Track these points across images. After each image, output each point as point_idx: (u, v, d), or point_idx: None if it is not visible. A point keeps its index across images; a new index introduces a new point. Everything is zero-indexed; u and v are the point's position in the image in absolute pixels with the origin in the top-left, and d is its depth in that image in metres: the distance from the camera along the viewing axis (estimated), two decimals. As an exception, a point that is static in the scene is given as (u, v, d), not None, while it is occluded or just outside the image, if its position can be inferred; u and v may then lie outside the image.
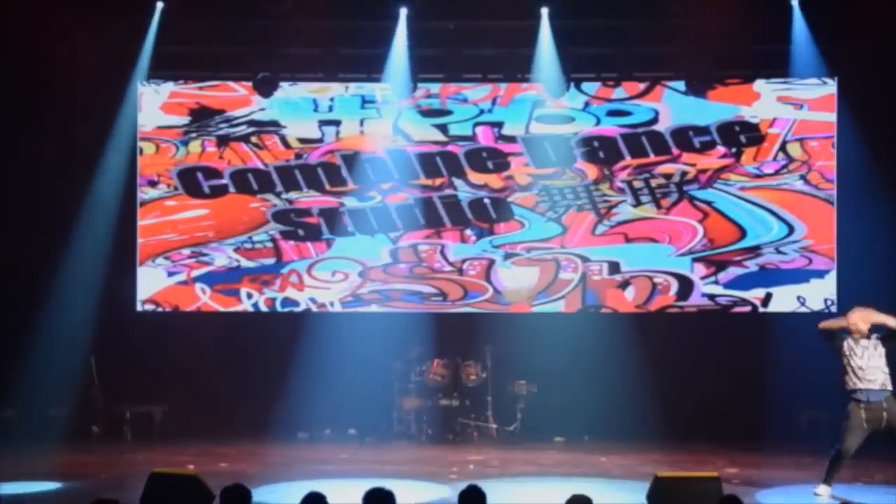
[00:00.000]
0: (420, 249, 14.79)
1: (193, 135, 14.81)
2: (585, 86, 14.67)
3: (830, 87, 14.43)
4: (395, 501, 6.04)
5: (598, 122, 14.70)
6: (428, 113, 14.83)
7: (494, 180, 14.76)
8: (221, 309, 14.80)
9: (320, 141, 14.79)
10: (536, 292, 14.75)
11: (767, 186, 14.54)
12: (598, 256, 14.68)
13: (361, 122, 14.83)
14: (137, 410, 14.39)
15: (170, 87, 14.80)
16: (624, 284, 14.69)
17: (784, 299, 14.50)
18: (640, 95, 14.69)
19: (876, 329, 10.20)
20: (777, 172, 14.54)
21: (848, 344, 10.14)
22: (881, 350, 10.10)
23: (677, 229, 14.63)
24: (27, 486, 10.40)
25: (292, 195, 14.77)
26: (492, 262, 14.75)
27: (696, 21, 13.58)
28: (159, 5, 13.86)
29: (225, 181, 14.79)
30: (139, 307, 14.76)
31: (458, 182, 14.76)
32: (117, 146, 14.55)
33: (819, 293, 14.42)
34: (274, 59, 14.13)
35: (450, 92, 14.82)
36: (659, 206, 14.66)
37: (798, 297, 14.48)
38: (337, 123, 14.81)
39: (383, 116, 14.80)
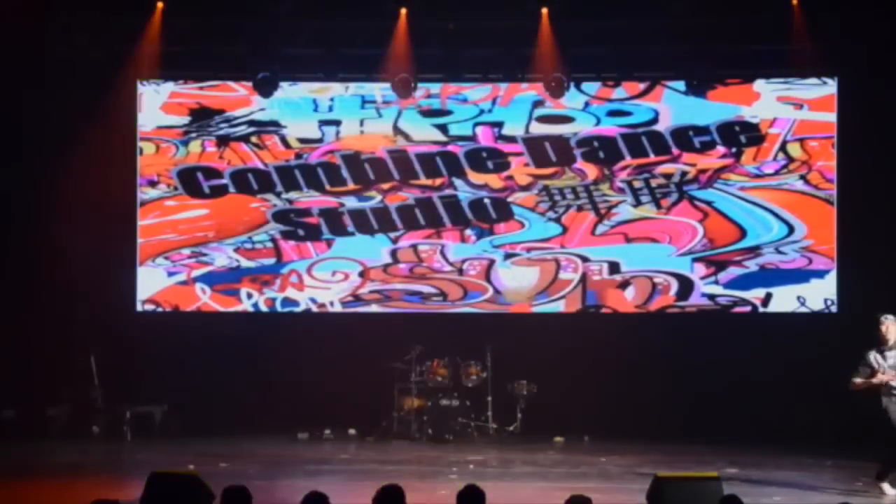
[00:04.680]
0: (420, 249, 14.79)
1: (193, 135, 14.81)
2: (585, 86, 14.67)
3: (830, 87, 14.43)
4: (404, 499, 6.09)
5: (598, 122, 14.70)
6: (428, 113, 14.83)
7: (494, 180, 14.76)
8: (221, 309, 14.80)
9: (320, 141, 14.79)
10: (536, 292, 14.74)
11: (767, 186, 14.54)
12: (598, 256, 14.68)
13: (361, 122, 14.83)
14: (137, 410, 14.38)
15: (170, 87, 14.80)
16: (624, 284, 14.68)
17: (784, 299, 14.50)
18: (640, 95, 14.69)
19: None
20: (777, 172, 14.54)
21: (875, 358, 10.24)
22: None
23: (677, 229, 14.62)
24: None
25: (292, 195, 14.77)
26: (492, 262, 14.74)
27: (697, 21, 13.59)
28: (159, 5, 13.86)
29: (225, 181, 14.79)
30: (139, 307, 14.76)
31: (458, 182, 14.76)
32: (117, 146, 14.55)
33: (819, 293, 14.42)
34: (274, 59, 14.13)
35: (450, 92, 14.82)
36: (659, 206, 14.65)
37: (798, 297, 14.47)
38: (337, 123, 14.81)
39: (383, 116, 14.80)
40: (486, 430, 14.28)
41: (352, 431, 14.41)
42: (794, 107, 14.52)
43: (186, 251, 14.79)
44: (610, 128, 14.69)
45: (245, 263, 14.78)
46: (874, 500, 10.16)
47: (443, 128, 14.80)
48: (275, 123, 14.79)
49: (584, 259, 14.70)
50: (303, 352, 14.24)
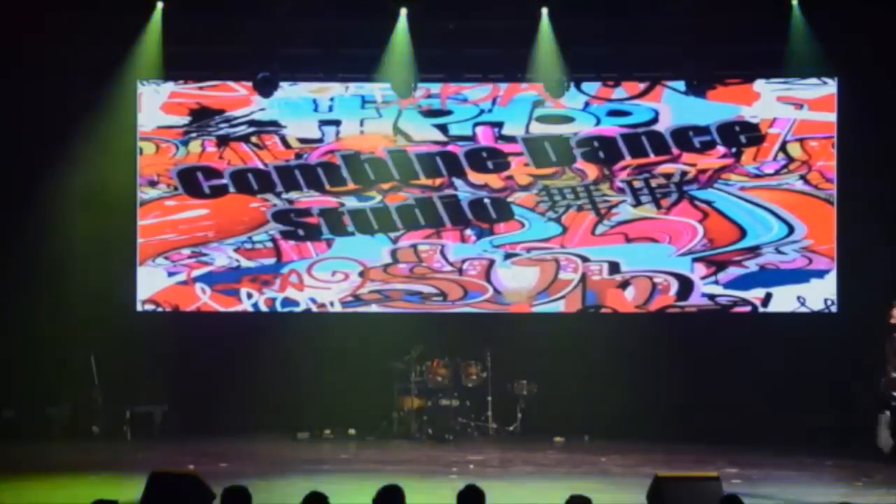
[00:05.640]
0: (420, 249, 14.79)
1: (193, 135, 14.80)
2: (585, 86, 14.67)
3: (830, 87, 14.43)
4: (404, 499, 6.10)
5: (598, 122, 14.70)
6: (428, 113, 14.83)
7: (494, 180, 14.76)
8: (221, 309, 14.79)
9: (320, 141, 14.79)
10: (536, 292, 14.75)
11: (767, 186, 14.54)
12: (598, 256, 14.68)
13: (361, 122, 14.83)
14: (137, 410, 14.37)
15: (170, 87, 14.80)
16: (624, 284, 14.68)
17: (784, 299, 14.49)
18: (640, 95, 14.69)
19: None
20: (777, 172, 14.54)
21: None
22: None
23: (677, 229, 14.62)
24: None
25: (292, 195, 14.77)
26: (492, 262, 14.74)
27: (696, 21, 13.59)
28: (159, 5, 13.87)
29: (225, 181, 14.79)
30: (139, 307, 14.75)
31: (458, 182, 14.76)
32: (117, 146, 14.55)
33: (819, 293, 14.42)
34: (274, 59, 14.13)
35: (450, 92, 14.82)
36: (659, 206, 14.65)
37: (798, 297, 14.47)
38: (337, 123, 14.81)
39: (383, 116, 14.80)
40: (486, 430, 14.29)
41: (352, 431, 14.41)
42: (794, 107, 14.52)
43: (186, 251, 14.79)
44: (610, 128, 14.69)
45: (245, 263, 14.78)
46: (874, 499, 10.16)
47: (443, 128, 14.80)
48: (275, 123, 14.79)
49: (584, 259, 14.70)
50: (303, 352, 14.25)
